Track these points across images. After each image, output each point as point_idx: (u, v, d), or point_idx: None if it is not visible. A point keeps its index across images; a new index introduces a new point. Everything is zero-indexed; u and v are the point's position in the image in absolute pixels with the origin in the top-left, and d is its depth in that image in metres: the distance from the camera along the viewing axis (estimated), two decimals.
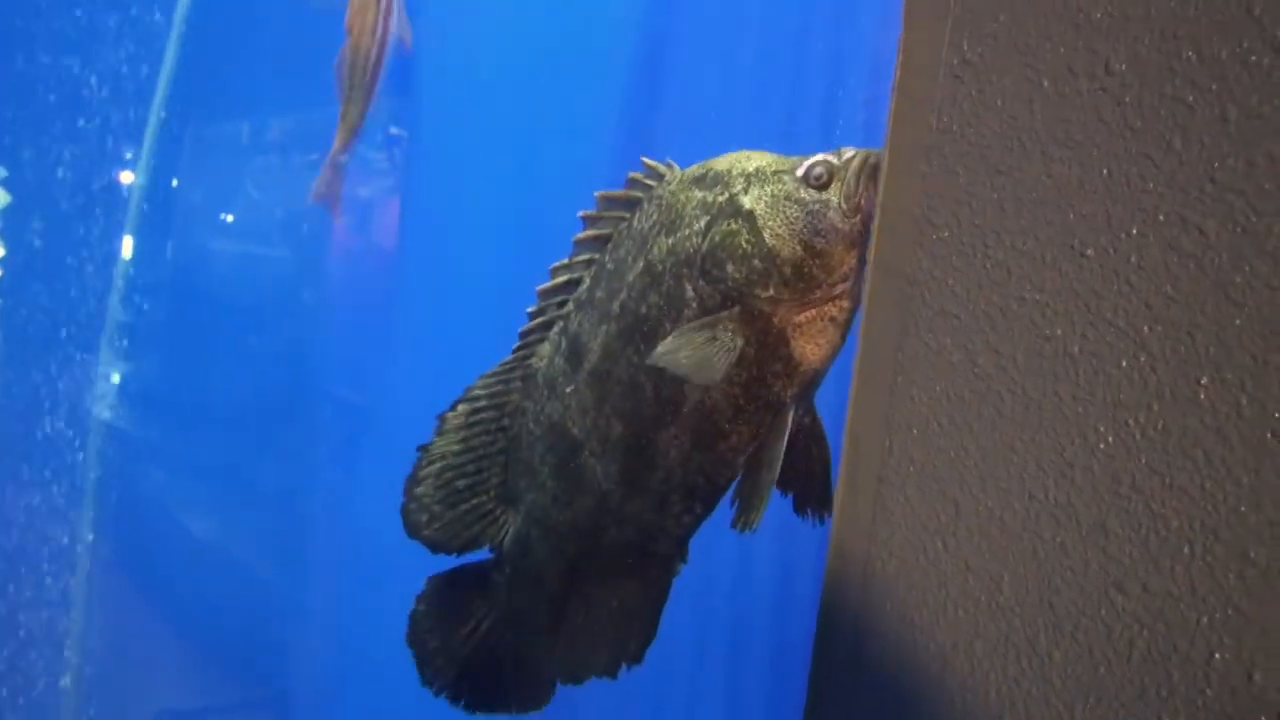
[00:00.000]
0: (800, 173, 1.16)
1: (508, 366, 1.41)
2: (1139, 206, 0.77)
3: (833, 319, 1.18)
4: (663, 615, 1.44)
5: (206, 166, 3.90)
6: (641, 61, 2.42)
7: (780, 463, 1.20)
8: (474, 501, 1.44)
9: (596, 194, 1.32)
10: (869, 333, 0.98)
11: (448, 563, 1.51)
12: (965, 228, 0.88)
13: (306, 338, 3.52)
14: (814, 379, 1.22)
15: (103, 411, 3.94)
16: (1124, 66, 0.78)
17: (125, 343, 3.93)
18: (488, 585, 1.49)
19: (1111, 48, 0.78)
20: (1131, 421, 0.77)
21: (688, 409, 1.24)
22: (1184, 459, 0.74)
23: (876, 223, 0.98)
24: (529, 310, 1.39)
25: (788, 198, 1.15)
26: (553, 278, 1.36)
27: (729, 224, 1.17)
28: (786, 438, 1.21)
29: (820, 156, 1.16)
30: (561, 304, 1.36)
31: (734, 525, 1.23)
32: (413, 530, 1.45)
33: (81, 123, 3.80)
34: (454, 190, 2.97)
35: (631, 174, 1.30)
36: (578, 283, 1.34)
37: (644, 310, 1.24)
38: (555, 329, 1.36)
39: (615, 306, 1.26)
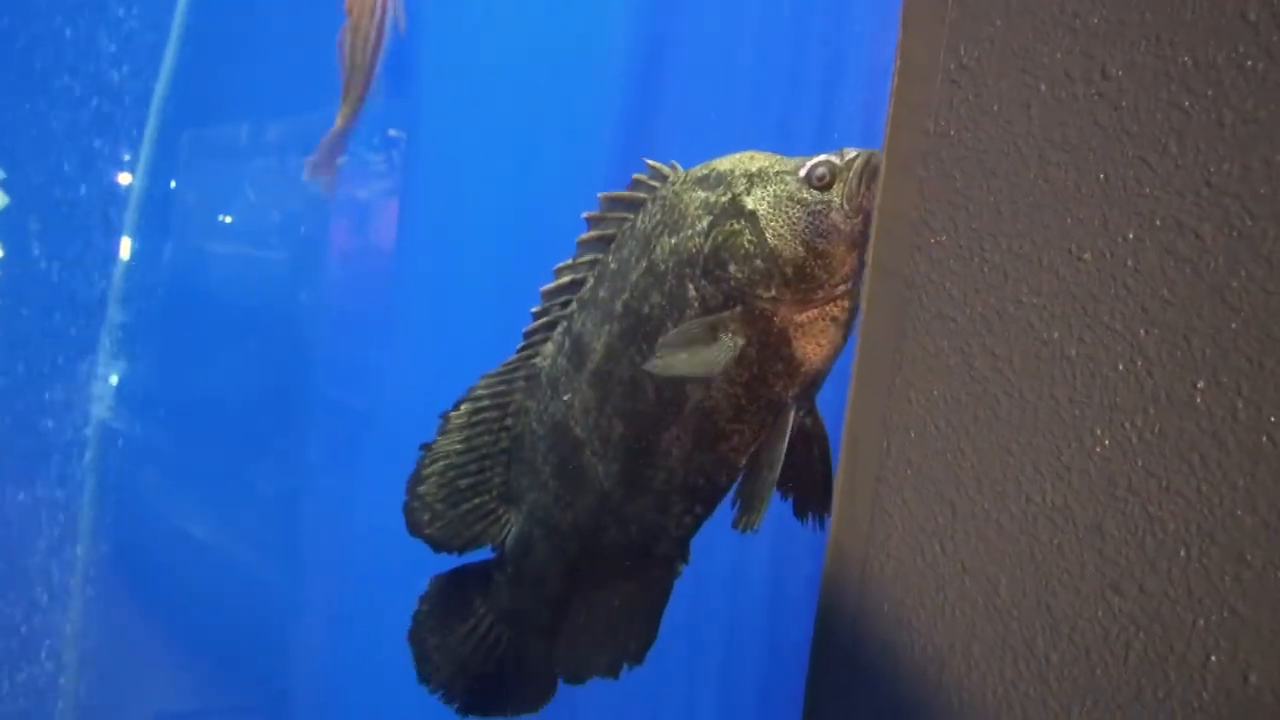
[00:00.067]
0: (803, 173, 1.16)
1: (511, 366, 1.42)
2: (1135, 210, 0.77)
3: (834, 319, 1.19)
4: (664, 616, 1.44)
5: (204, 168, 3.90)
6: (639, 65, 2.42)
7: (781, 463, 1.21)
8: (476, 501, 1.45)
9: (600, 195, 1.32)
10: (867, 335, 0.98)
11: (447, 564, 1.51)
12: (962, 231, 0.89)
13: (304, 340, 3.52)
14: (815, 379, 1.23)
15: (101, 413, 3.94)
16: (1120, 71, 0.78)
17: (123, 344, 3.92)
18: (489, 585, 1.50)
19: (1108, 53, 0.79)
20: (1128, 424, 0.78)
21: (689, 409, 1.24)
22: (1180, 462, 0.75)
23: (874, 226, 0.99)
24: (533, 310, 1.39)
25: (790, 198, 1.16)
26: (557, 278, 1.36)
27: (732, 224, 1.18)
28: (788, 438, 1.21)
29: (822, 157, 1.17)
30: (565, 304, 1.36)
31: (735, 525, 1.23)
32: (415, 529, 1.45)
33: (80, 124, 3.80)
34: (452, 192, 2.97)
35: (635, 175, 1.30)
36: (581, 283, 1.34)
37: (646, 310, 1.24)
38: (559, 329, 1.37)
39: (618, 306, 1.27)
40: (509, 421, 1.43)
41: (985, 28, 0.87)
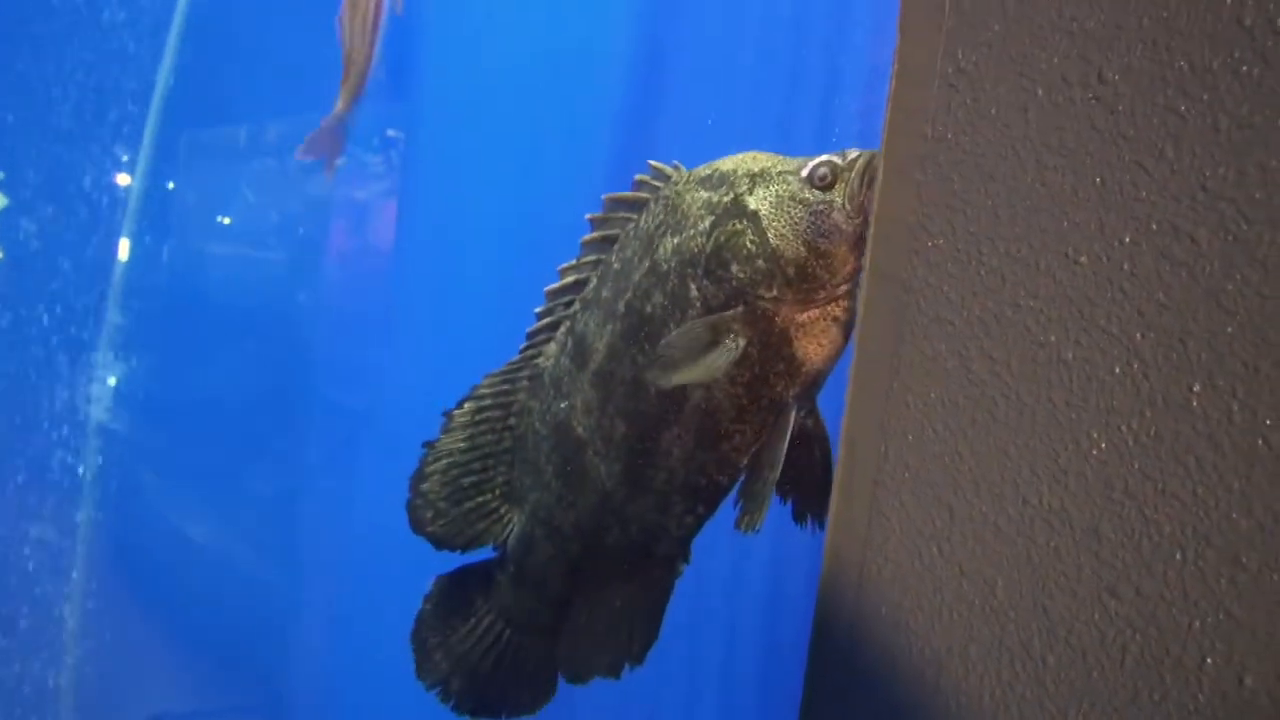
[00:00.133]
0: (805, 173, 1.16)
1: (515, 366, 1.42)
2: (1132, 214, 0.78)
3: (836, 319, 1.19)
4: (665, 616, 1.44)
5: (203, 169, 3.90)
6: (638, 69, 2.43)
7: (781, 463, 1.21)
8: (479, 499, 1.45)
9: (604, 196, 1.33)
10: (864, 339, 0.98)
11: (446, 564, 1.51)
12: (960, 235, 0.89)
13: (303, 340, 3.52)
14: (816, 379, 1.23)
15: (99, 414, 3.94)
16: (1117, 76, 0.79)
17: (121, 345, 3.92)
18: (491, 584, 1.50)
19: (1105, 57, 0.79)
20: (1124, 427, 0.78)
21: (690, 409, 1.24)
22: (1176, 465, 0.75)
23: (872, 230, 0.99)
24: (537, 310, 1.39)
25: (792, 198, 1.16)
26: (561, 278, 1.37)
27: (734, 224, 1.18)
28: (788, 438, 1.21)
29: (825, 157, 1.17)
30: (569, 304, 1.36)
31: (738, 526, 1.24)
32: (417, 526, 1.45)
33: (79, 126, 3.80)
34: (450, 193, 2.97)
35: (638, 176, 1.30)
36: (585, 283, 1.35)
37: (649, 310, 1.24)
38: (562, 329, 1.37)
39: (621, 306, 1.27)
40: (512, 421, 1.43)
41: (983, 32, 0.87)
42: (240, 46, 3.67)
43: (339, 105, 2.91)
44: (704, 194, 1.22)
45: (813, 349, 1.20)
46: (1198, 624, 0.73)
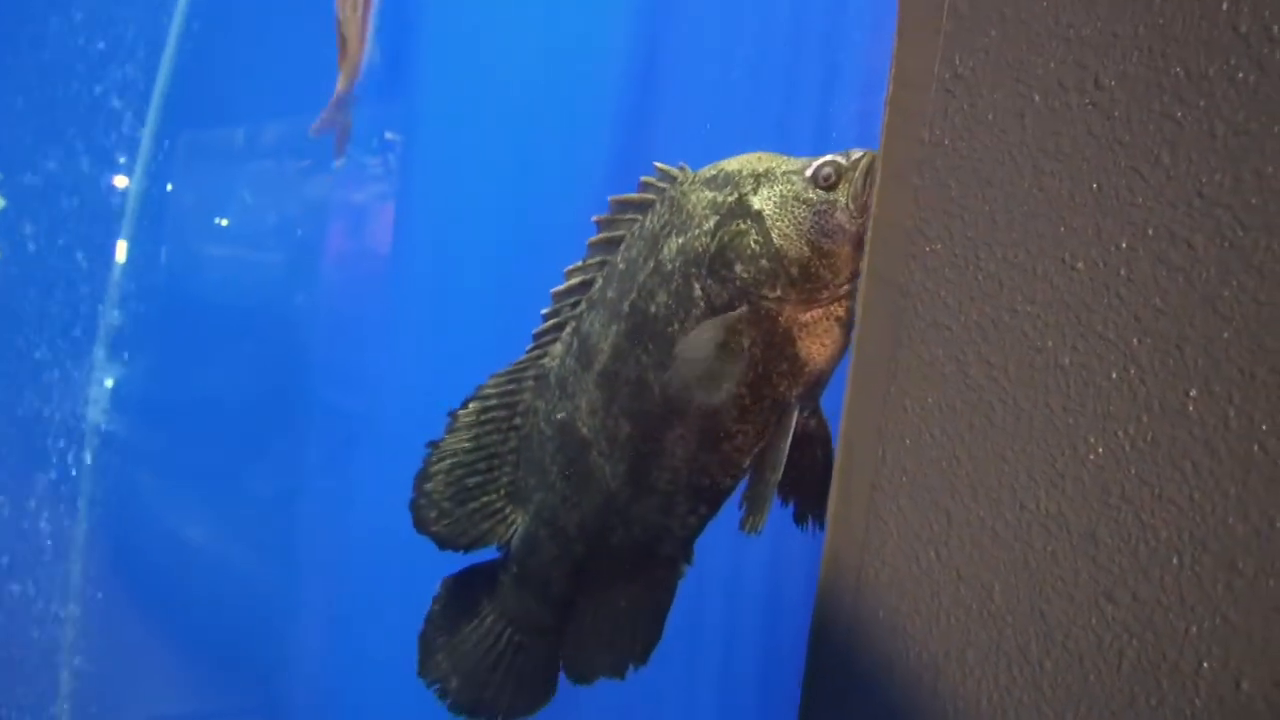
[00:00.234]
0: (808, 173, 1.17)
1: (520, 366, 1.42)
2: (1128, 220, 0.78)
3: (839, 319, 1.19)
4: (668, 617, 1.45)
5: (201, 171, 3.90)
6: (636, 72, 2.43)
7: (784, 463, 1.21)
8: (483, 499, 1.45)
9: (610, 198, 1.33)
10: (862, 343, 0.99)
11: (445, 566, 1.52)
12: (957, 240, 0.89)
13: (300, 342, 3.52)
14: (819, 379, 1.23)
15: (96, 416, 3.94)
16: (1113, 82, 0.79)
17: (119, 347, 3.92)
18: (494, 585, 1.50)
19: (1101, 63, 0.79)
20: (1121, 433, 0.78)
21: (694, 409, 1.25)
22: (1173, 470, 0.75)
23: (870, 234, 0.99)
24: (543, 312, 1.40)
25: (796, 198, 1.16)
26: (566, 279, 1.37)
27: (738, 224, 1.18)
28: (790, 438, 1.21)
29: (828, 157, 1.17)
30: (575, 305, 1.37)
31: (741, 527, 1.24)
32: (421, 525, 1.46)
33: (76, 127, 3.80)
34: (448, 195, 2.97)
35: (644, 178, 1.31)
36: (591, 284, 1.35)
37: (653, 310, 1.25)
38: (568, 329, 1.37)
39: (625, 306, 1.27)
40: (518, 421, 1.43)
41: (980, 38, 0.87)
42: (238, 48, 3.67)
43: (339, 85, 2.90)
44: (709, 194, 1.23)
45: (816, 349, 1.20)
46: (1194, 629, 0.73)
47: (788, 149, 1.27)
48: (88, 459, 3.92)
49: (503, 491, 1.45)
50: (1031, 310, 0.84)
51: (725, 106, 2.21)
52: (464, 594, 1.52)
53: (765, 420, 1.24)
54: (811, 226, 1.15)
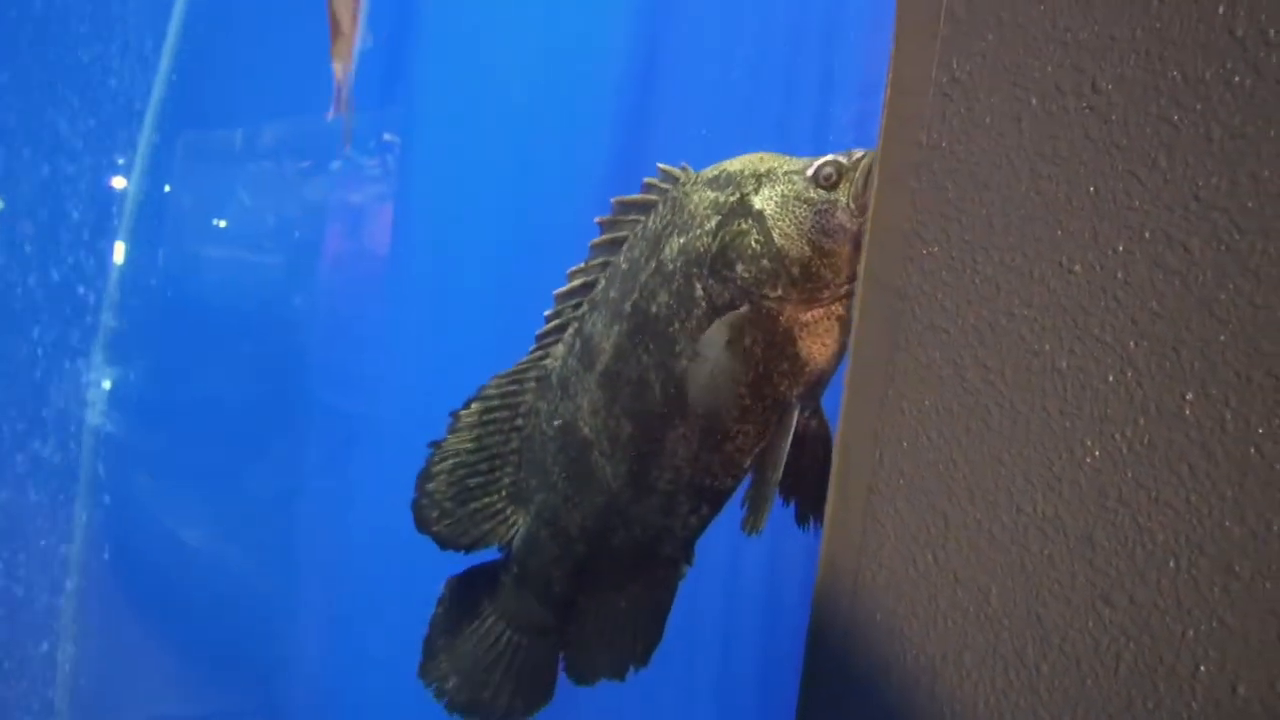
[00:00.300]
0: (810, 173, 1.17)
1: (523, 367, 1.43)
2: (1125, 223, 0.78)
3: (840, 318, 1.19)
4: (668, 618, 1.45)
5: (199, 172, 3.89)
6: (634, 75, 2.43)
7: (784, 463, 1.21)
8: (485, 500, 1.45)
9: (612, 199, 1.33)
10: (859, 346, 0.99)
11: (442, 568, 1.52)
12: (954, 243, 0.89)
13: (299, 344, 3.52)
14: (820, 379, 1.23)
15: (94, 418, 3.93)
16: (1110, 86, 0.79)
17: (117, 349, 3.92)
18: (495, 586, 1.50)
19: (1098, 67, 0.80)
20: (1118, 436, 0.78)
21: (695, 408, 1.25)
22: (1169, 473, 0.75)
23: (867, 237, 0.99)
24: (546, 314, 1.40)
25: (797, 197, 1.17)
26: (569, 281, 1.37)
27: (739, 224, 1.19)
28: (790, 438, 1.22)
29: (830, 156, 1.18)
30: (577, 307, 1.37)
31: (742, 526, 1.24)
32: (422, 525, 1.46)
33: (74, 128, 3.79)
34: (446, 197, 2.97)
35: (647, 179, 1.31)
36: (594, 285, 1.35)
37: (654, 310, 1.25)
38: (570, 330, 1.38)
39: (627, 306, 1.28)
40: (520, 422, 1.43)
41: (977, 42, 0.87)
42: (236, 50, 3.67)
43: (337, 70, 2.87)
44: (711, 194, 1.23)
45: (817, 348, 1.20)
46: (1191, 632, 0.73)
47: (787, 151, 1.27)
48: (85, 461, 3.91)
49: (504, 492, 1.46)
50: (1028, 313, 0.84)
51: (724, 108, 2.21)
52: (466, 595, 1.52)
53: (766, 420, 1.24)
54: (813, 226, 1.15)
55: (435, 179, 3.01)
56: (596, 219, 1.35)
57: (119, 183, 3.87)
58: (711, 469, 1.29)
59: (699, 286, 1.21)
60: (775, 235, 1.16)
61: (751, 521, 1.23)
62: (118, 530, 3.92)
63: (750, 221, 1.18)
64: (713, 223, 1.21)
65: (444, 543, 1.46)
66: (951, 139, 0.89)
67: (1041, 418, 0.83)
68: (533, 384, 1.42)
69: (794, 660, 1.04)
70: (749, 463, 1.29)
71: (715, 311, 1.20)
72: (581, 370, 1.33)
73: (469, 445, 1.44)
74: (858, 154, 1.16)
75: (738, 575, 2.29)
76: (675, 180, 1.29)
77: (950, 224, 0.89)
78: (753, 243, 1.17)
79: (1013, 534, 0.84)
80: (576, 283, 1.37)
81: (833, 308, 1.19)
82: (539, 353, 1.41)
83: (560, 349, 1.39)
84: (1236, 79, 0.72)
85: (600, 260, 1.35)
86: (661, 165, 1.30)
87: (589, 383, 1.32)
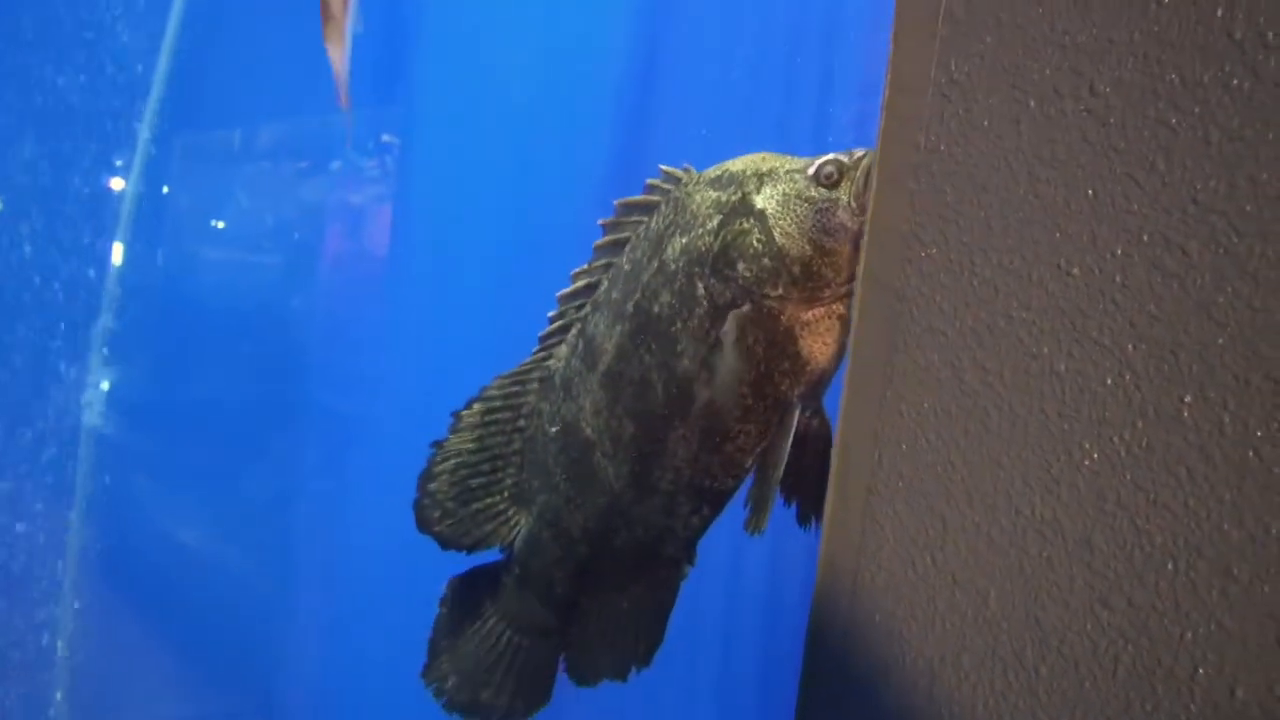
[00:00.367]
0: (811, 171, 1.17)
1: (526, 368, 1.43)
2: (1123, 226, 0.78)
3: (841, 317, 1.19)
4: (670, 619, 1.45)
5: (197, 173, 3.89)
6: (634, 77, 2.43)
7: (784, 462, 1.21)
8: (487, 500, 1.46)
9: (616, 201, 1.33)
10: (858, 347, 0.99)
11: (439, 567, 1.52)
12: (953, 245, 0.89)
13: (297, 345, 3.51)
14: (821, 378, 1.24)
15: (91, 419, 3.93)
16: (1108, 89, 0.79)
17: (115, 350, 3.91)
18: (497, 587, 1.50)
19: (1096, 70, 0.80)
20: (1116, 438, 0.78)
21: (697, 408, 1.25)
22: (1168, 476, 0.75)
23: (866, 239, 0.99)
24: (549, 315, 1.40)
25: (798, 196, 1.17)
26: (573, 282, 1.37)
27: (741, 223, 1.19)
28: (791, 437, 1.22)
29: (831, 155, 1.18)
30: (580, 308, 1.37)
31: (746, 526, 1.25)
32: (424, 525, 1.46)
33: (72, 129, 3.79)
34: (445, 198, 2.97)
35: (649, 180, 1.31)
36: (597, 286, 1.35)
37: (656, 310, 1.25)
38: (573, 331, 1.38)
39: (630, 307, 1.28)
40: (522, 423, 1.44)
41: (976, 44, 0.87)
42: (235, 50, 3.67)
43: (331, 57, 2.85)
44: (713, 194, 1.23)
45: (818, 347, 1.20)
46: (1189, 635, 0.73)
47: (787, 151, 1.27)
48: (82, 462, 3.91)
49: (506, 493, 1.46)
50: (1027, 316, 0.84)
51: (722, 113, 2.22)
52: (468, 595, 1.53)
53: (767, 420, 1.24)
54: (813, 224, 1.15)
55: (434, 180, 3.01)
56: (600, 221, 1.35)
57: (117, 183, 3.87)
58: (713, 469, 1.30)
59: (701, 286, 1.22)
60: (777, 234, 1.16)
61: (754, 521, 1.23)
62: (115, 531, 3.92)
63: (752, 220, 1.18)
64: (715, 222, 1.21)
65: (446, 543, 1.46)
66: (950, 141, 0.89)
67: (1040, 420, 0.83)
68: (535, 385, 1.42)
69: (794, 660, 1.04)
70: (751, 463, 1.29)
71: (717, 311, 1.21)
72: (584, 371, 1.34)
73: (471, 445, 1.44)
74: (859, 153, 1.16)
75: (738, 575, 2.29)
76: (677, 181, 1.29)
77: (949, 226, 0.89)
78: (754, 241, 1.17)
79: (1011, 536, 0.84)
80: (580, 284, 1.37)
81: (834, 307, 1.19)
82: (542, 354, 1.41)
83: (563, 350, 1.39)
84: (1235, 82, 0.72)
85: (603, 262, 1.35)
86: (664, 166, 1.30)
87: (591, 383, 1.32)
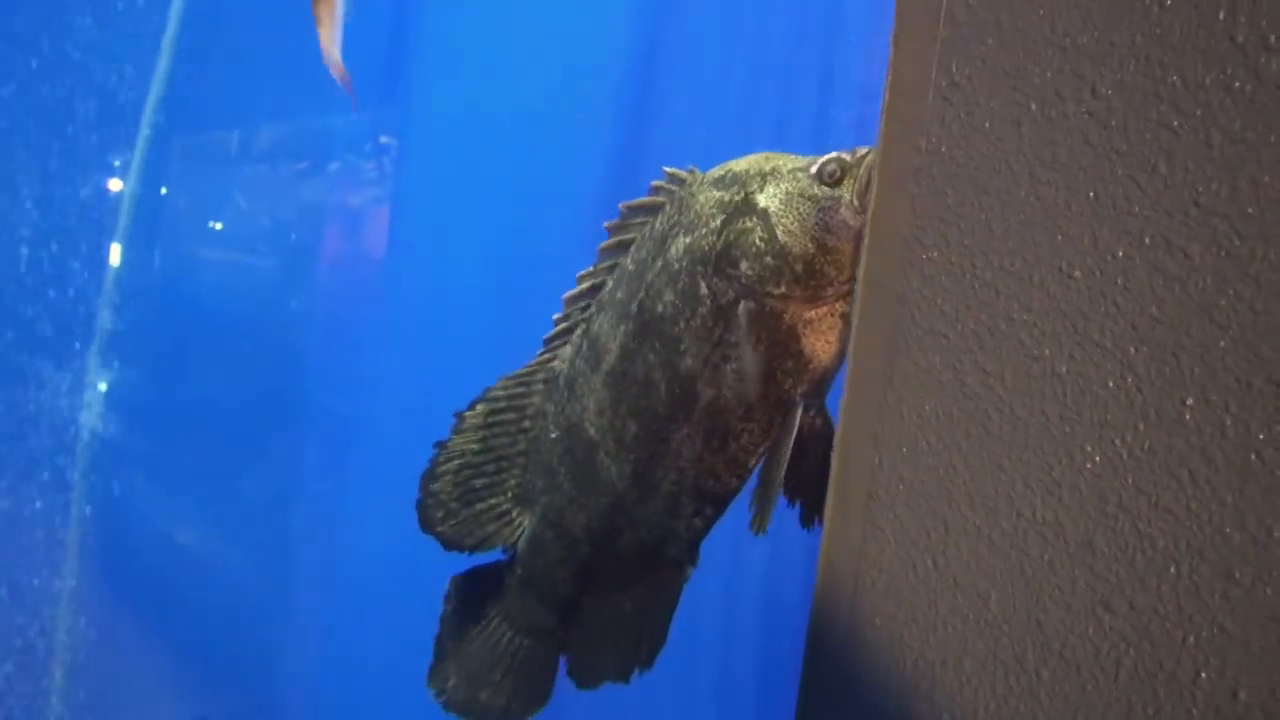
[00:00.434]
0: (814, 170, 1.17)
1: (530, 370, 1.43)
2: (1125, 229, 0.78)
3: (843, 315, 1.19)
4: (673, 620, 1.45)
5: (195, 174, 3.89)
6: (634, 78, 2.43)
7: (787, 461, 1.21)
8: (490, 501, 1.45)
9: (621, 204, 1.33)
10: (859, 350, 0.99)
11: (438, 568, 1.52)
12: (954, 248, 0.89)
13: (295, 346, 3.51)
14: (824, 377, 1.23)
15: (90, 420, 3.93)
16: (1110, 91, 0.79)
17: (113, 351, 3.91)
18: (500, 587, 1.50)
19: (1098, 72, 0.79)
20: (1118, 441, 0.78)
21: (700, 408, 1.25)
22: (1170, 479, 0.75)
23: (867, 240, 0.99)
24: (555, 317, 1.40)
25: (801, 194, 1.17)
26: (578, 284, 1.37)
27: (744, 222, 1.19)
28: (794, 436, 1.22)
29: (834, 154, 1.18)
30: (585, 309, 1.37)
31: (750, 526, 1.24)
32: (427, 525, 1.46)
33: (70, 130, 3.79)
34: (443, 199, 2.97)
35: (654, 182, 1.31)
36: (601, 288, 1.35)
37: (660, 309, 1.25)
38: (578, 331, 1.38)
39: (634, 306, 1.28)
40: (526, 424, 1.43)
41: (977, 46, 0.87)
42: (233, 51, 3.67)
43: (328, 50, 2.83)
44: (716, 194, 1.23)
45: (820, 346, 1.20)
46: (1191, 638, 0.73)
47: (785, 152, 1.27)
48: (82, 463, 3.90)
49: (510, 494, 1.46)
50: (1028, 318, 0.84)
51: (723, 116, 2.22)
52: (472, 596, 1.53)
53: (770, 419, 1.24)
54: (816, 223, 1.15)
55: (432, 181, 3.01)
56: (605, 224, 1.35)
57: (115, 184, 3.87)
58: (716, 469, 1.29)
59: (704, 285, 1.21)
60: (779, 232, 1.16)
61: (756, 522, 1.23)
62: (114, 532, 3.92)
63: (755, 219, 1.18)
64: (718, 221, 1.21)
65: (449, 543, 1.46)
66: (951, 143, 0.89)
67: (1041, 423, 0.83)
68: (540, 386, 1.42)
69: (794, 661, 1.04)
70: (754, 463, 1.29)
71: (720, 310, 1.21)
72: (588, 371, 1.34)
73: (475, 446, 1.44)
74: (861, 151, 1.16)
75: (738, 576, 2.29)
76: (681, 182, 1.29)
77: (950, 228, 0.89)
78: (757, 240, 1.17)
79: (1012, 539, 0.84)
80: (584, 286, 1.37)
81: (836, 305, 1.19)
82: (546, 355, 1.41)
83: (568, 351, 1.39)
84: (1236, 84, 0.72)
85: (608, 263, 1.35)
86: (668, 168, 1.30)
87: (595, 383, 1.32)
